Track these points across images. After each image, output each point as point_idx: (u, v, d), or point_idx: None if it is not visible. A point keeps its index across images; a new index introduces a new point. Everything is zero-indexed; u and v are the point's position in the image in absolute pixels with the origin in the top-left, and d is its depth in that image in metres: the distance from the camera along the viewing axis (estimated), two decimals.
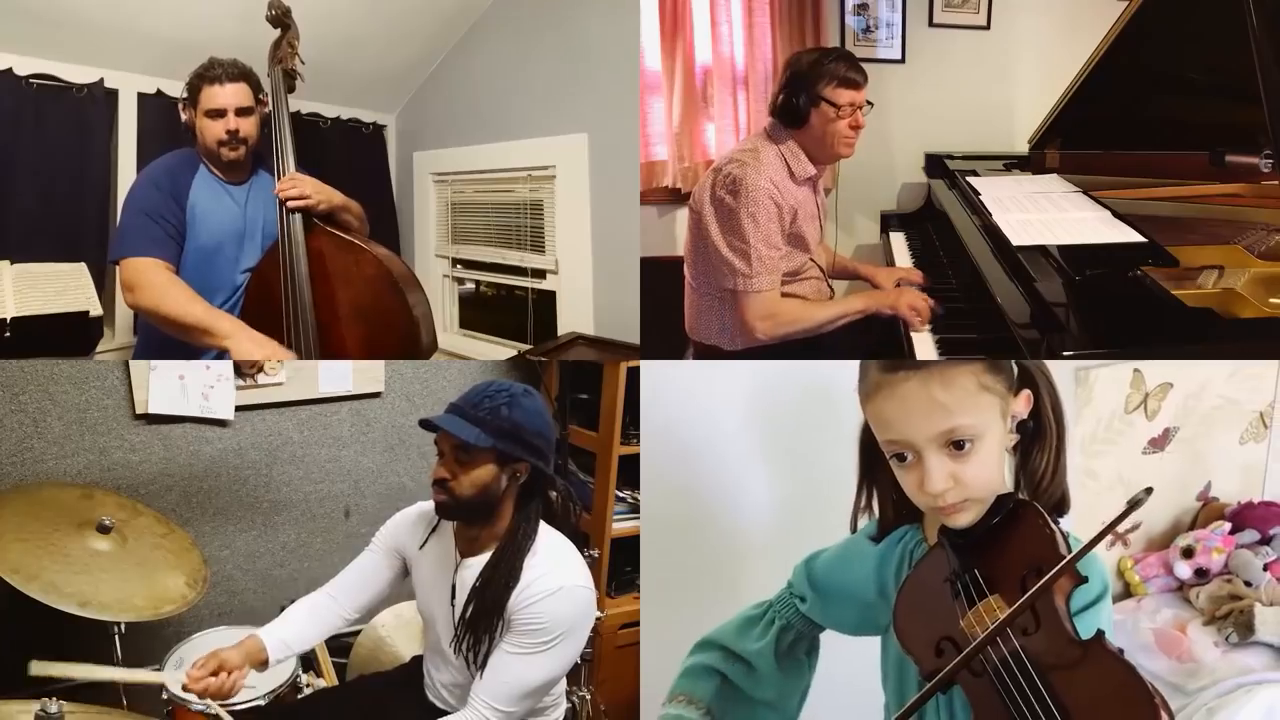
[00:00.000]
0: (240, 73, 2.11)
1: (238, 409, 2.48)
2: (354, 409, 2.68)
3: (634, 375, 2.28)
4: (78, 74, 2.55)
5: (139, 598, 1.90)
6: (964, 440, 1.08)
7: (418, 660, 1.85)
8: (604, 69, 2.76)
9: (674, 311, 2.38)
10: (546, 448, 1.59)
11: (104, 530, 1.95)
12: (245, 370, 2.44)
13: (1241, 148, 2.34)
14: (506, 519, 1.59)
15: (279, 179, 2.08)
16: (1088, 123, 2.82)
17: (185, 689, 1.60)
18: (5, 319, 2.28)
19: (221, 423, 2.48)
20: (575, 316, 2.98)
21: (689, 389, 1.99)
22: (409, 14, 3.10)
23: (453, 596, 1.62)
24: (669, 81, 3.11)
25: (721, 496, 2.00)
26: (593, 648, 2.21)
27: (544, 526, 1.62)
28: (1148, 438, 2.35)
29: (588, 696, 2.12)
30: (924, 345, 2.10)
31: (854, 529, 1.33)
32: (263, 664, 1.67)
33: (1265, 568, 2.30)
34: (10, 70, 2.42)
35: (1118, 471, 2.31)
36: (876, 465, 1.20)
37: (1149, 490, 1.03)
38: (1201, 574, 2.35)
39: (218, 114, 2.08)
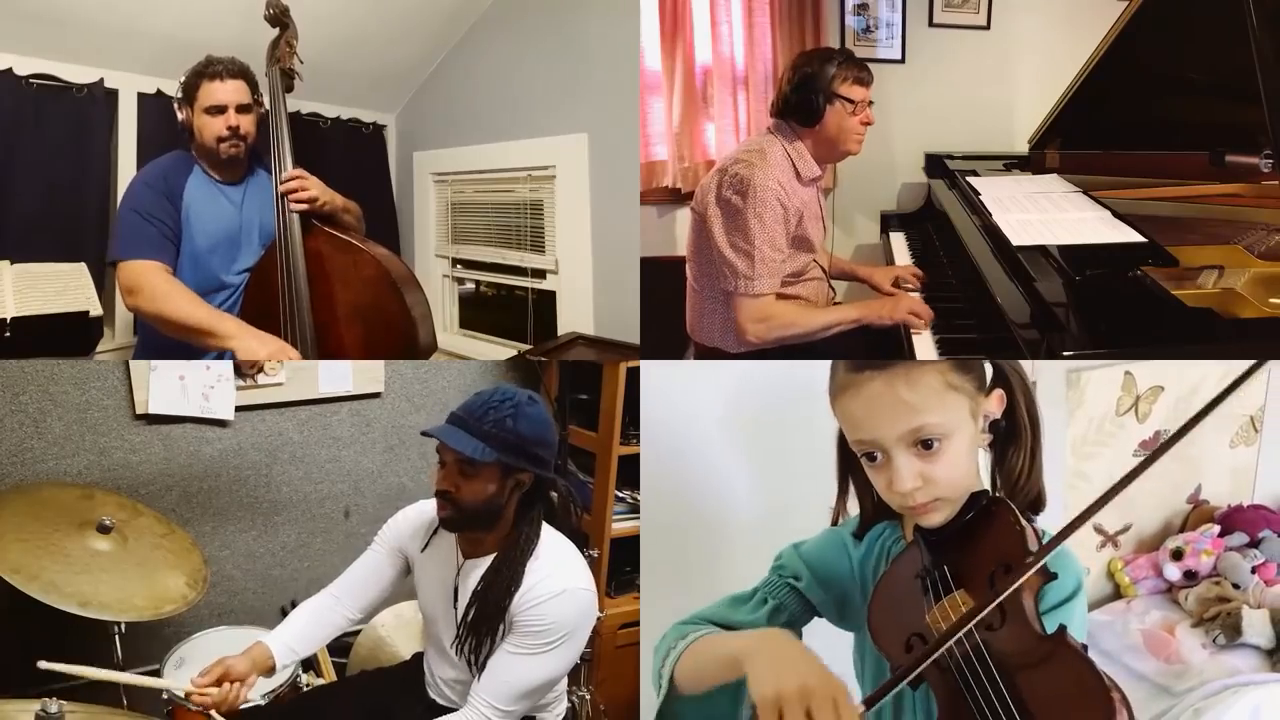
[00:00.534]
0: (239, 70, 2.11)
1: (238, 409, 2.48)
2: (354, 409, 2.68)
3: (634, 375, 2.28)
4: (78, 74, 2.55)
5: (139, 598, 1.90)
6: (932, 439, 1.08)
7: (418, 657, 1.85)
8: (604, 69, 2.76)
9: (674, 311, 2.38)
10: (550, 455, 1.59)
11: (104, 530, 1.95)
12: (245, 370, 2.44)
13: (1241, 148, 2.34)
14: (509, 523, 1.59)
15: (278, 178, 2.08)
16: (1088, 123, 2.82)
17: (190, 699, 1.59)
18: (5, 319, 2.28)
19: (221, 423, 2.48)
20: (575, 316, 2.98)
21: (689, 389, 1.99)
22: (409, 14, 3.10)
23: (455, 599, 1.62)
24: (669, 81, 3.11)
25: (721, 496, 2.00)
26: (593, 648, 2.21)
27: (546, 528, 1.62)
28: (1139, 440, 2.35)
29: (588, 696, 2.12)
30: (924, 346, 2.10)
31: (834, 525, 1.34)
32: (270, 671, 1.67)
33: (1253, 570, 2.31)
34: (10, 70, 2.42)
35: (1109, 473, 2.31)
36: (854, 463, 1.20)
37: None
38: (1190, 576, 2.36)
39: (218, 110, 2.08)
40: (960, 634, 1.01)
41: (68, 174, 2.54)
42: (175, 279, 2.05)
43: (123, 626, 1.93)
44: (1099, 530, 2.36)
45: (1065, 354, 1.56)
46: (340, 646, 2.22)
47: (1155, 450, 1.04)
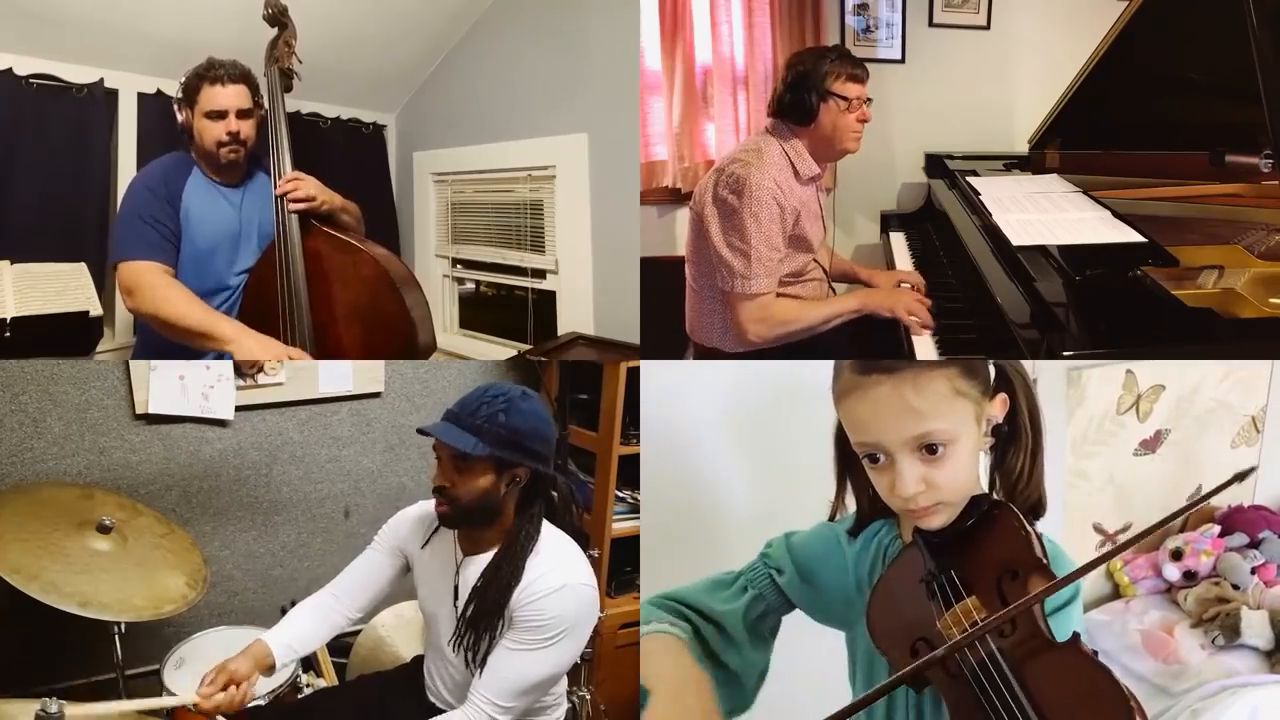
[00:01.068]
0: (240, 74, 2.10)
1: (238, 409, 2.48)
2: (354, 409, 2.68)
3: (634, 375, 2.28)
4: (78, 74, 2.55)
5: (139, 598, 1.90)
6: (937, 444, 1.07)
7: (418, 660, 1.85)
8: (604, 69, 2.76)
9: (674, 311, 2.38)
10: (546, 450, 1.58)
11: (104, 530, 1.95)
12: (245, 370, 2.44)
13: (1241, 148, 2.34)
14: (509, 520, 1.59)
15: (277, 179, 2.08)
16: (1088, 123, 2.82)
17: (197, 708, 1.59)
18: (5, 319, 2.28)
19: (221, 423, 2.48)
20: (575, 316, 2.98)
21: (689, 389, 1.99)
22: (409, 14, 3.10)
23: (455, 596, 1.62)
24: (669, 81, 3.11)
25: (721, 496, 2.00)
26: (593, 648, 2.20)
27: (547, 525, 1.62)
28: (1139, 439, 2.35)
29: (588, 696, 2.12)
30: (924, 346, 2.10)
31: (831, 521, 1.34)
32: (270, 669, 1.67)
33: (1253, 571, 2.31)
34: (10, 70, 2.42)
35: (1109, 473, 2.32)
36: (851, 462, 1.20)
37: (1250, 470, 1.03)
38: (1190, 576, 2.36)
39: (218, 115, 2.08)
40: (972, 640, 1.01)
41: (68, 174, 2.54)
42: (175, 280, 2.05)
43: (123, 626, 1.93)
44: (1099, 530, 2.36)
45: (1065, 354, 1.56)
46: (340, 646, 2.22)
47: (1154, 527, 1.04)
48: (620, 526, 2.54)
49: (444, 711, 1.67)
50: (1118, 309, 1.71)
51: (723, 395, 2.00)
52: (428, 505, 1.71)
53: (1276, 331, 1.59)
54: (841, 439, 1.22)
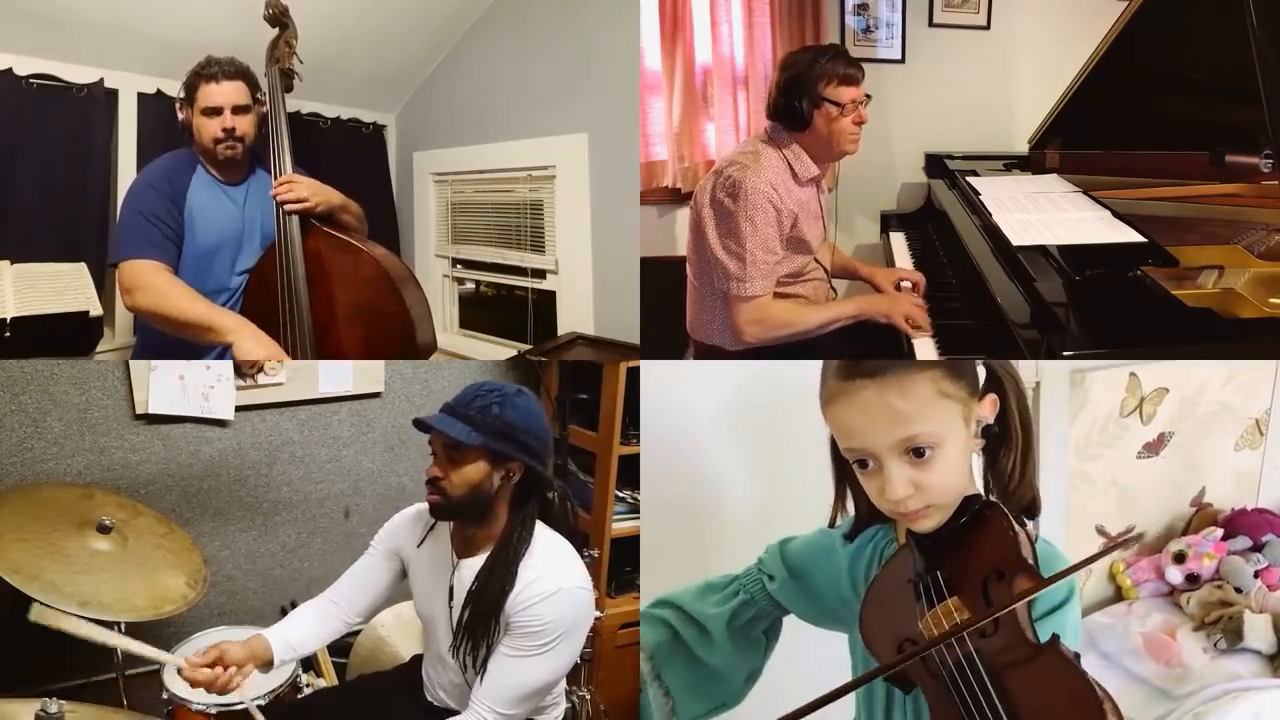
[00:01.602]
0: (237, 71, 2.11)
1: (238, 409, 2.48)
2: (354, 409, 2.68)
3: (634, 375, 2.28)
4: (78, 74, 2.55)
5: (139, 598, 1.90)
6: (924, 448, 1.07)
7: (417, 660, 1.85)
8: (604, 69, 2.76)
9: (674, 311, 2.38)
10: (540, 447, 1.58)
11: (104, 530, 1.95)
12: (245, 370, 2.44)
13: (1241, 148, 2.34)
14: (502, 520, 1.59)
15: (276, 179, 2.08)
16: (1088, 123, 2.82)
17: (181, 674, 1.57)
18: (5, 319, 2.27)
19: (221, 423, 2.48)
20: (575, 316, 2.98)
21: (689, 389, 1.99)
22: (409, 14, 3.10)
23: (450, 598, 1.62)
24: (669, 81, 3.11)
25: (721, 496, 2.00)
26: (593, 648, 2.21)
27: (541, 527, 1.61)
28: (1143, 442, 2.35)
29: (588, 696, 2.12)
30: (924, 347, 2.10)
31: (832, 526, 1.34)
32: (267, 664, 1.67)
33: (1256, 575, 2.30)
34: (10, 70, 2.42)
35: (1112, 475, 2.31)
36: (848, 466, 1.20)
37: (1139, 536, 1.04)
38: (1193, 579, 2.35)
39: (214, 112, 2.08)
40: (951, 640, 1.01)
41: (68, 174, 2.54)
42: (176, 278, 2.05)
43: (123, 626, 1.93)
44: (1101, 533, 2.36)
45: (1065, 354, 1.56)
46: (340, 647, 2.22)
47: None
48: (620, 526, 2.53)
49: (443, 712, 1.67)
50: (1118, 309, 1.71)
51: (723, 395, 2.00)
52: (423, 507, 1.71)
53: (1277, 331, 1.59)
54: (836, 446, 1.22)
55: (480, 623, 1.55)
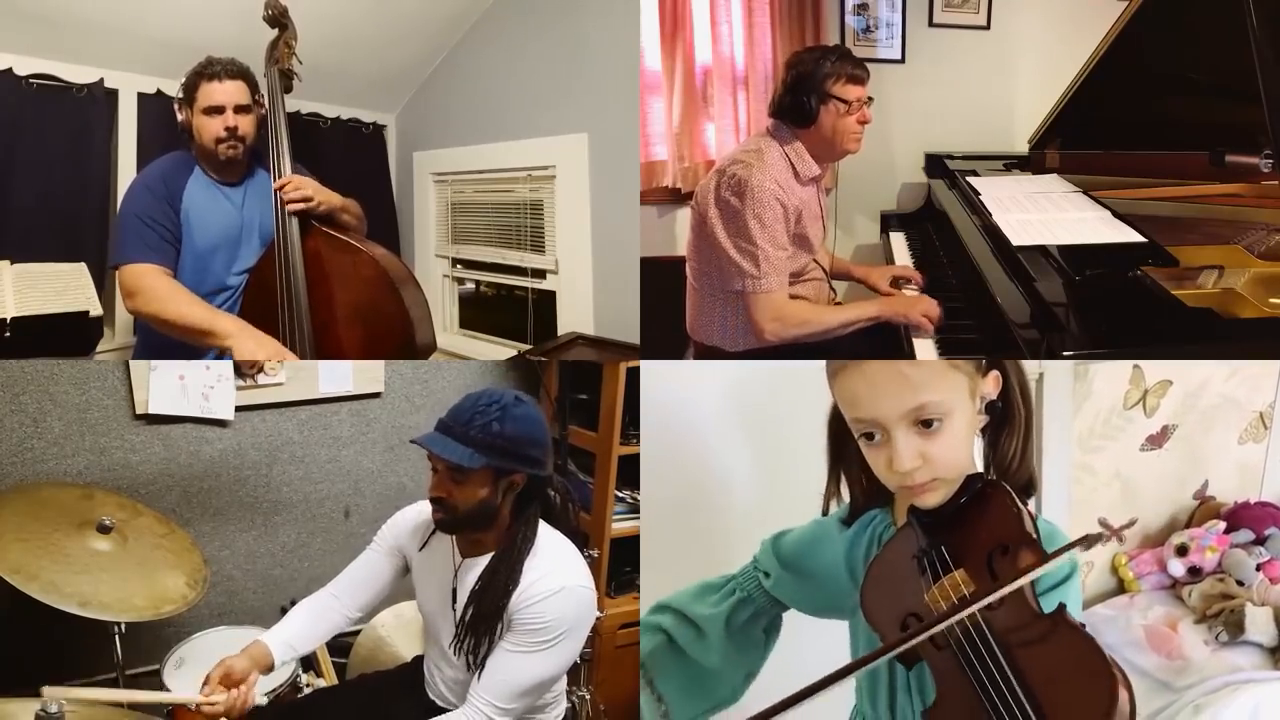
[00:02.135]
0: (238, 70, 2.11)
1: (238, 409, 2.48)
2: (354, 409, 2.68)
3: (634, 375, 2.28)
4: (78, 74, 2.55)
5: (139, 598, 1.90)
6: (932, 418, 1.08)
7: (418, 660, 1.85)
8: (604, 69, 2.76)
9: (674, 311, 2.38)
10: (541, 454, 1.58)
11: (104, 530, 1.95)
12: (245, 370, 2.44)
13: (1241, 148, 2.34)
14: (506, 522, 1.59)
15: (276, 179, 2.08)
16: (1088, 123, 2.82)
17: (199, 709, 1.58)
18: (5, 319, 2.27)
19: (221, 423, 2.48)
20: (575, 316, 2.98)
21: (689, 389, 1.99)
22: (409, 14, 3.10)
23: (454, 600, 1.62)
24: (669, 81, 3.11)
25: (721, 496, 2.00)
26: (593, 648, 2.21)
27: (544, 526, 1.62)
28: (1146, 434, 2.35)
29: (587, 696, 2.12)
30: (924, 348, 2.10)
31: (824, 514, 1.35)
32: (269, 668, 1.67)
33: (1258, 568, 2.30)
34: (10, 70, 2.42)
35: (1115, 467, 2.32)
36: (845, 450, 1.22)
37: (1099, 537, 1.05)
38: (1195, 572, 2.36)
39: (216, 111, 2.09)
40: (960, 615, 1.01)
41: (68, 174, 2.54)
42: (175, 281, 2.06)
43: (123, 626, 1.93)
44: (1104, 524, 2.36)
45: (1065, 354, 1.56)
46: (340, 646, 2.22)
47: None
48: (620, 526, 2.53)
49: (444, 710, 1.67)
50: (1118, 309, 1.71)
51: (723, 395, 2.00)
52: (425, 507, 1.71)
53: (1277, 331, 1.58)
54: (834, 428, 1.23)
55: (483, 621, 1.55)
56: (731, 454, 1.99)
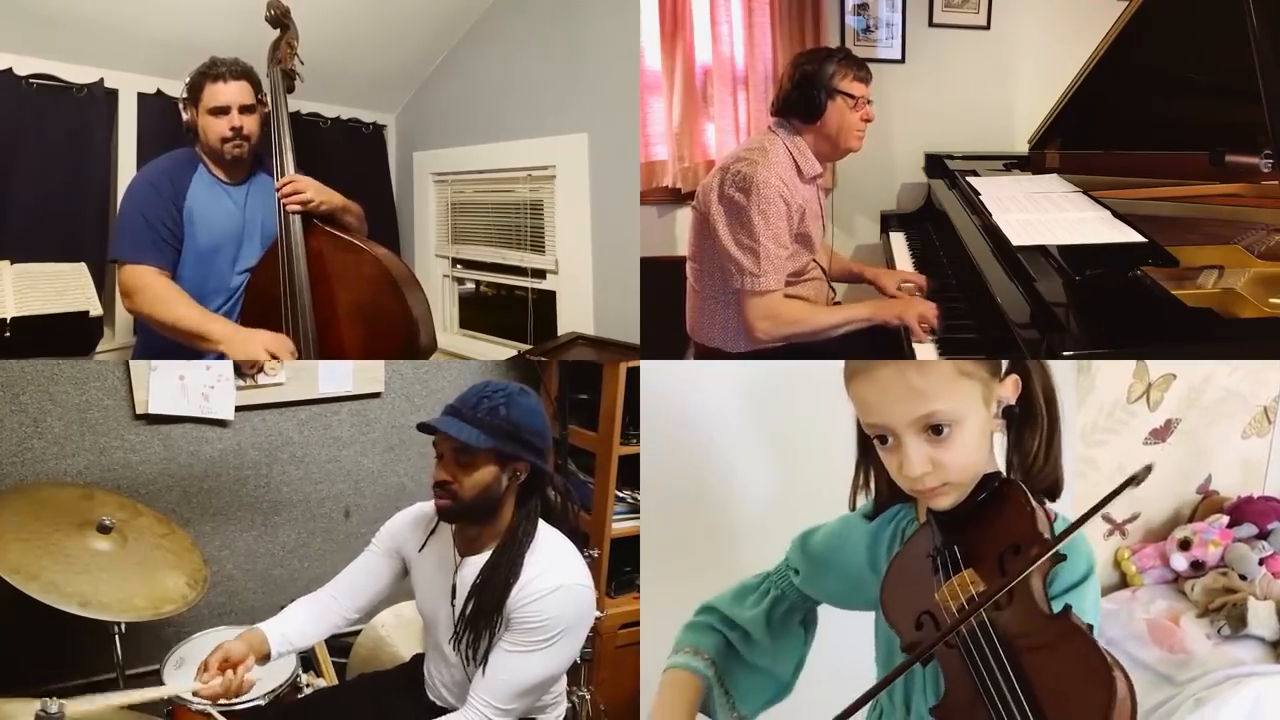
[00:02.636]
0: (242, 71, 2.12)
1: (238, 409, 2.48)
2: (354, 409, 2.68)
3: (634, 375, 2.28)
4: (78, 74, 2.55)
5: (139, 598, 1.90)
6: (942, 425, 1.08)
7: (418, 660, 1.85)
8: (604, 69, 2.76)
9: (674, 311, 2.38)
10: (544, 445, 1.59)
11: (104, 530, 1.95)
12: (245, 370, 2.45)
13: (1241, 148, 2.34)
14: (506, 518, 1.60)
15: (278, 179, 2.09)
16: (1088, 123, 2.82)
17: (199, 695, 1.59)
18: (5, 319, 2.27)
19: (221, 423, 2.48)
20: (575, 316, 2.98)
21: (689, 389, 1.99)
22: (409, 14, 3.10)
23: (453, 596, 1.62)
24: (669, 81, 3.11)
25: (721, 496, 2.00)
26: (593, 648, 2.21)
27: (543, 524, 1.62)
28: (1149, 428, 2.35)
29: (588, 696, 2.12)
30: (924, 349, 2.10)
31: (852, 507, 1.35)
32: (265, 657, 1.67)
33: (1261, 562, 2.31)
34: (10, 70, 2.42)
35: (1118, 461, 2.32)
36: (871, 446, 1.21)
37: (1148, 468, 1.04)
38: (1197, 566, 2.36)
39: (221, 111, 2.09)
40: (969, 614, 1.02)
41: (68, 174, 2.54)
42: (171, 283, 2.07)
43: (123, 626, 1.93)
44: (1107, 519, 2.36)
45: (1065, 354, 1.56)
46: (340, 646, 2.22)
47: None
48: (620, 526, 2.54)
49: (444, 711, 1.67)
50: (1118, 309, 1.70)
51: (723, 395, 2.00)
52: (425, 507, 1.71)
53: (1277, 331, 1.58)
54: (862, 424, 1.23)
55: (483, 616, 1.55)
56: (732, 454, 1.99)
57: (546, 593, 1.52)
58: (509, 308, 3.38)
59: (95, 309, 2.45)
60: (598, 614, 1.91)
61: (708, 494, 2.00)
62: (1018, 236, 2.07)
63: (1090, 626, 1.00)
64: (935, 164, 3.25)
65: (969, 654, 1.03)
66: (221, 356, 2.06)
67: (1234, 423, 2.45)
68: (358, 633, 2.27)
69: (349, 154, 3.39)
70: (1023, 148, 3.17)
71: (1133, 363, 2.23)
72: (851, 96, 2.12)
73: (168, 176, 2.11)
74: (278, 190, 2.08)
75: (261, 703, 1.84)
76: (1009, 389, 1.14)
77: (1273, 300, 1.69)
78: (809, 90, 2.12)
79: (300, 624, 1.74)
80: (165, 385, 2.37)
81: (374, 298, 2.09)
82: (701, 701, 1.40)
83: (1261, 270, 1.81)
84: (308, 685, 1.97)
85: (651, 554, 2.02)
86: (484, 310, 3.55)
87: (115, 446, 2.36)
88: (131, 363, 2.36)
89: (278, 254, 2.08)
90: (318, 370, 2.56)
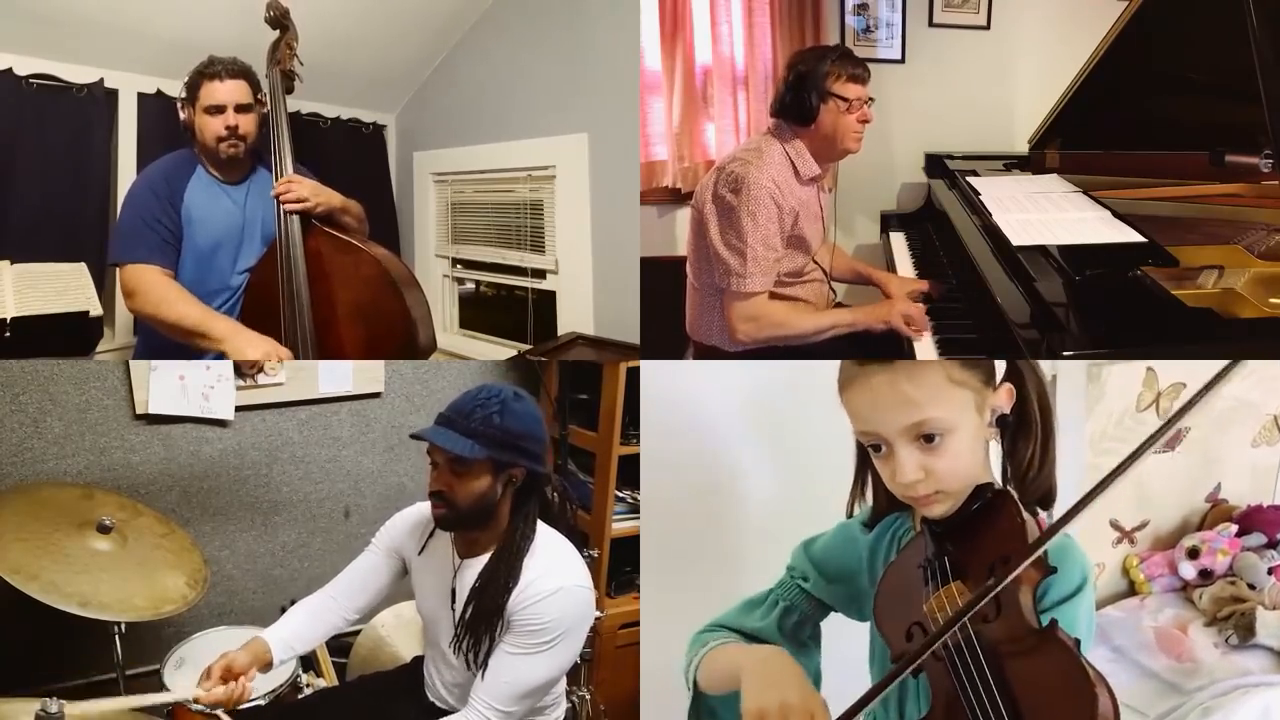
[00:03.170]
0: (240, 70, 2.12)
1: (238, 409, 2.48)
2: (354, 409, 2.68)
3: (634, 375, 2.28)
4: (78, 74, 2.55)
5: (139, 598, 1.90)
6: (934, 434, 1.08)
7: (418, 660, 1.85)
8: (604, 69, 2.76)
9: (674, 311, 2.38)
10: (540, 449, 1.59)
11: (104, 530, 1.95)
12: (245, 370, 2.45)
13: (1241, 148, 2.34)
14: (504, 521, 1.60)
15: (277, 180, 2.09)
16: (1088, 123, 2.82)
17: (198, 702, 1.60)
18: (5, 319, 2.27)
19: (221, 423, 2.48)
20: (575, 316, 2.98)
21: (689, 389, 1.99)
22: (409, 14, 3.10)
23: (453, 599, 1.62)
24: (669, 81, 3.11)
25: (721, 496, 2.00)
26: (593, 648, 2.21)
27: (542, 526, 1.62)
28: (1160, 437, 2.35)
29: (588, 696, 2.12)
30: (925, 348, 2.10)
31: (849, 514, 1.35)
32: (268, 665, 1.68)
33: (1270, 571, 2.30)
34: (10, 70, 2.42)
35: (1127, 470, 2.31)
36: (869, 455, 1.21)
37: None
38: (1206, 575, 2.35)
39: (217, 110, 2.09)
40: (953, 626, 1.02)
41: (68, 174, 2.54)
42: (174, 282, 2.07)
43: (123, 626, 1.93)
44: (1115, 526, 2.35)
45: (1065, 354, 1.56)
46: (340, 647, 2.22)
47: (1155, 433, 1.04)
48: (620, 526, 2.53)
49: (444, 712, 1.67)
50: (1118, 309, 1.70)
51: (723, 395, 2.00)
52: (424, 508, 1.71)
53: (1277, 331, 1.58)
54: None
55: (483, 620, 1.55)
56: (732, 454, 1.99)
57: (546, 595, 1.52)
58: (509, 308, 3.38)
59: (95, 309, 2.45)
60: (598, 614, 1.92)
61: (708, 494, 2.00)
62: (1018, 236, 2.07)
63: (1077, 641, 0.99)
64: (935, 164, 3.24)
65: (953, 664, 1.03)
66: (222, 356, 2.06)
67: (1244, 432, 2.45)
68: (358, 633, 2.27)
69: (349, 154, 3.39)
70: (1023, 148, 3.17)
71: (1142, 371, 2.22)
72: (845, 99, 2.10)
73: (164, 178, 2.11)
74: (275, 191, 2.08)
75: (262, 703, 1.84)
76: (1003, 397, 1.14)
77: (1273, 300, 1.69)
78: (801, 93, 2.11)
79: (300, 628, 1.74)
80: (165, 385, 2.37)
81: (373, 298, 2.08)
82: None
83: (1261, 270, 1.81)
84: (308, 685, 1.97)
85: (651, 554, 2.02)
86: (484, 310, 3.55)
87: (115, 446, 2.36)
88: (131, 363, 2.36)
89: (277, 254, 2.08)
90: (318, 370, 2.57)
